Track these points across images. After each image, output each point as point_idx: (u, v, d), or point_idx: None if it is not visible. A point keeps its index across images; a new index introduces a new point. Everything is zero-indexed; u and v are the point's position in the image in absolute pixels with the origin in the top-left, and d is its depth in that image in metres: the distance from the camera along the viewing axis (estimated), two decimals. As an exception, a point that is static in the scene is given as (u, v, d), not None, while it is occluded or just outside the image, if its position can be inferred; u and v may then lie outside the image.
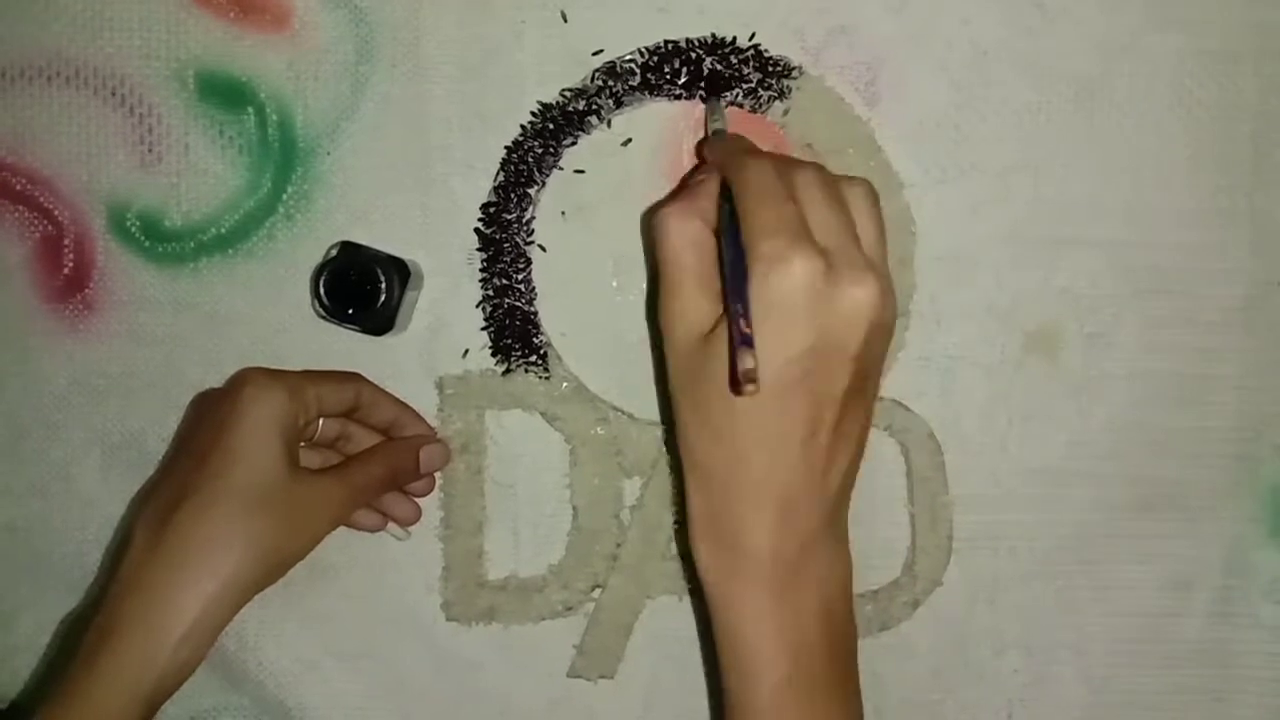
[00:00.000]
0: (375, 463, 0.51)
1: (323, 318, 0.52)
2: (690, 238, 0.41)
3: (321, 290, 0.51)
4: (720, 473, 0.41)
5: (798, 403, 0.39)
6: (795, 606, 0.42)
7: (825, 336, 0.39)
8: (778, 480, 0.40)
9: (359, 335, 0.53)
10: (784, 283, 0.38)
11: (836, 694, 0.43)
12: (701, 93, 0.53)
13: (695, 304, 0.41)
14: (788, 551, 0.41)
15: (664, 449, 0.54)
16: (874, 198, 0.43)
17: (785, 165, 0.42)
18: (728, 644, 0.42)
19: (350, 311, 0.52)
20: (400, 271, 0.52)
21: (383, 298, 0.51)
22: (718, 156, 0.44)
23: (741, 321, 0.38)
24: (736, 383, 0.37)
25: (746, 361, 0.37)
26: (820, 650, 0.42)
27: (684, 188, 0.43)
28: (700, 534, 0.43)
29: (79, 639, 0.45)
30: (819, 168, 0.42)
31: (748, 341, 0.37)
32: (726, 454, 0.41)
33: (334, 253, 0.52)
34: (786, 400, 0.39)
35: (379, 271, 0.51)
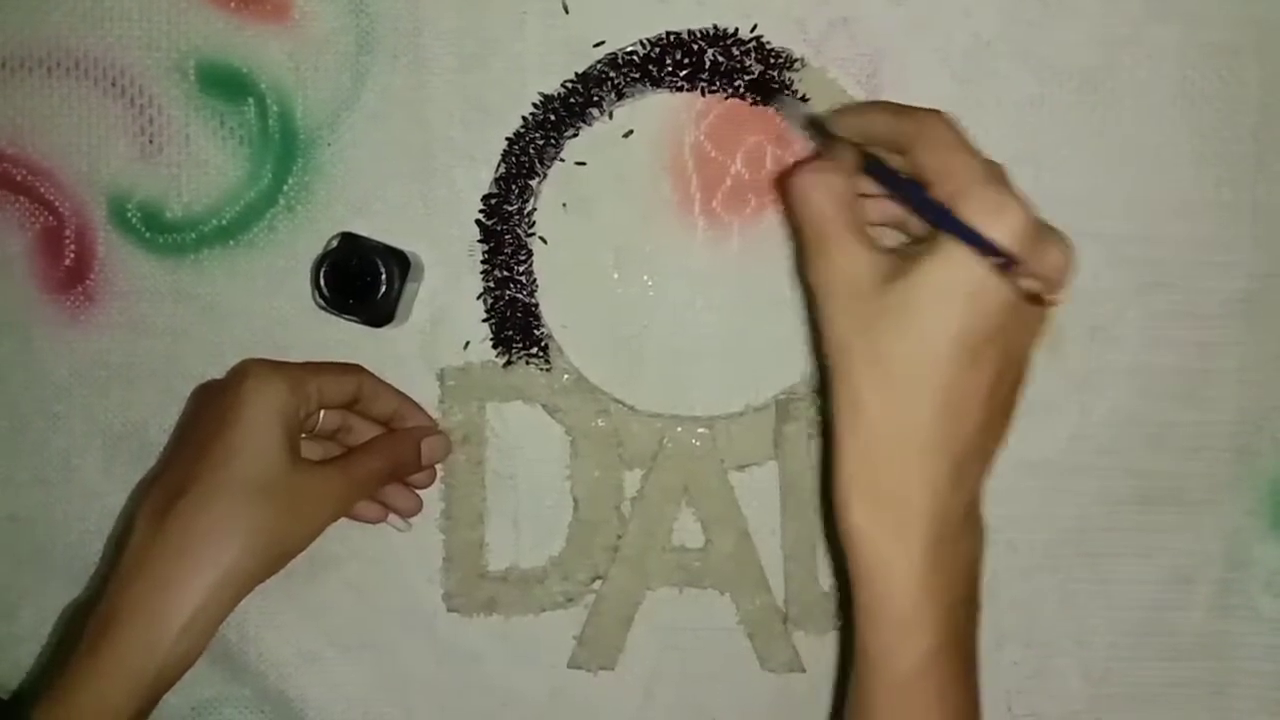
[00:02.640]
0: (376, 454, 0.51)
1: (323, 309, 0.52)
2: (839, 191, 0.40)
3: (322, 281, 0.51)
4: (894, 427, 0.39)
5: (989, 358, 0.38)
6: (951, 574, 0.40)
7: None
8: (956, 437, 0.39)
9: (360, 327, 0.53)
10: (1003, 229, 0.37)
11: (973, 672, 0.42)
12: (757, 97, 0.52)
13: (860, 254, 0.40)
14: (954, 513, 0.40)
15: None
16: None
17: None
18: (873, 609, 0.40)
19: (350, 303, 0.52)
20: (400, 263, 0.52)
21: (383, 289, 0.51)
22: (861, 119, 0.43)
23: (991, 255, 0.37)
24: (1039, 301, 0.37)
25: (1031, 283, 0.37)
26: (966, 624, 0.41)
27: (814, 158, 0.43)
28: (855, 491, 0.40)
29: (80, 629, 0.45)
30: None
31: (1012, 261, 0.37)
32: (905, 408, 0.39)
33: (334, 244, 0.52)
34: (981, 354, 0.38)
35: (379, 263, 0.51)
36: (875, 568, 0.40)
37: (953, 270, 0.37)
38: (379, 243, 0.52)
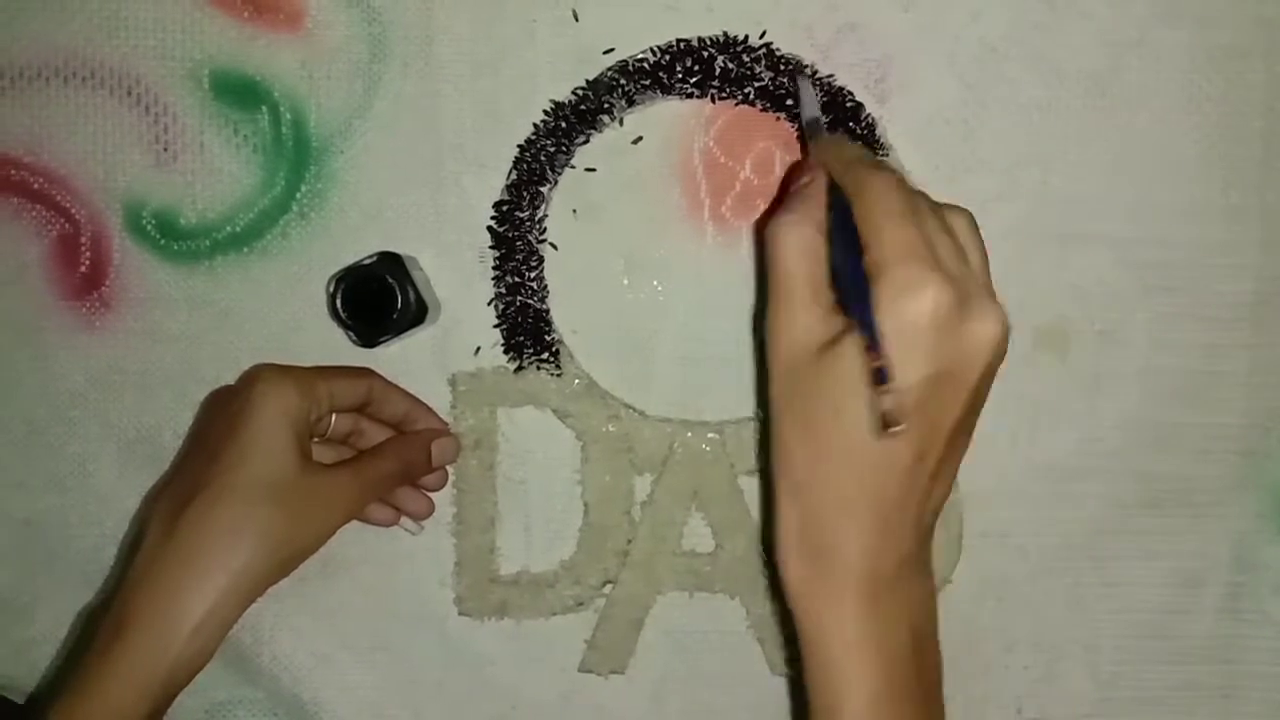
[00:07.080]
0: (386, 456, 0.51)
1: (377, 345, 0.52)
2: (805, 246, 0.40)
3: (352, 321, 0.51)
4: (819, 489, 0.40)
5: (910, 431, 0.38)
6: (886, 623, 0.41)
7: (946, 368, 0.38)
8: (880, 499, 0.40)
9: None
10: (914, 309, 0.37)
11: (927, 714, 0.42)
12: (787, 75, 0.52)
13: (806, 316, 0.40)
14: (883, 567, 0.40)
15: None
16: (977, 227, 0.42)
17: (904, 183, 0.41)
18: (815, 660, 0.41)
19: (386, 323, 0.51)
20: (395, 265, 0.51)
21: (400, 296, 0.51)
22: (829, 159, 0.43)
23: (870, 355, 0.37)
24: (885, 425, 0.37)
25: (884, 404, 0.36)
26: (909, 668, 0.41)
27: (792, 193, 0.42)
28: (790, 548, 0.41)
29: (93, 633, 0.45)
30: (924, 193, 0.41)
31: (882, 378, 0.36)
32: (829, 472, 0.40)
33: (335, 286, 0.51)
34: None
35: (385, 277, 0.51)
36: (811, 621, 0.41)
37: (861, 349, 0.38)
38: (367, 263, 0.52)
